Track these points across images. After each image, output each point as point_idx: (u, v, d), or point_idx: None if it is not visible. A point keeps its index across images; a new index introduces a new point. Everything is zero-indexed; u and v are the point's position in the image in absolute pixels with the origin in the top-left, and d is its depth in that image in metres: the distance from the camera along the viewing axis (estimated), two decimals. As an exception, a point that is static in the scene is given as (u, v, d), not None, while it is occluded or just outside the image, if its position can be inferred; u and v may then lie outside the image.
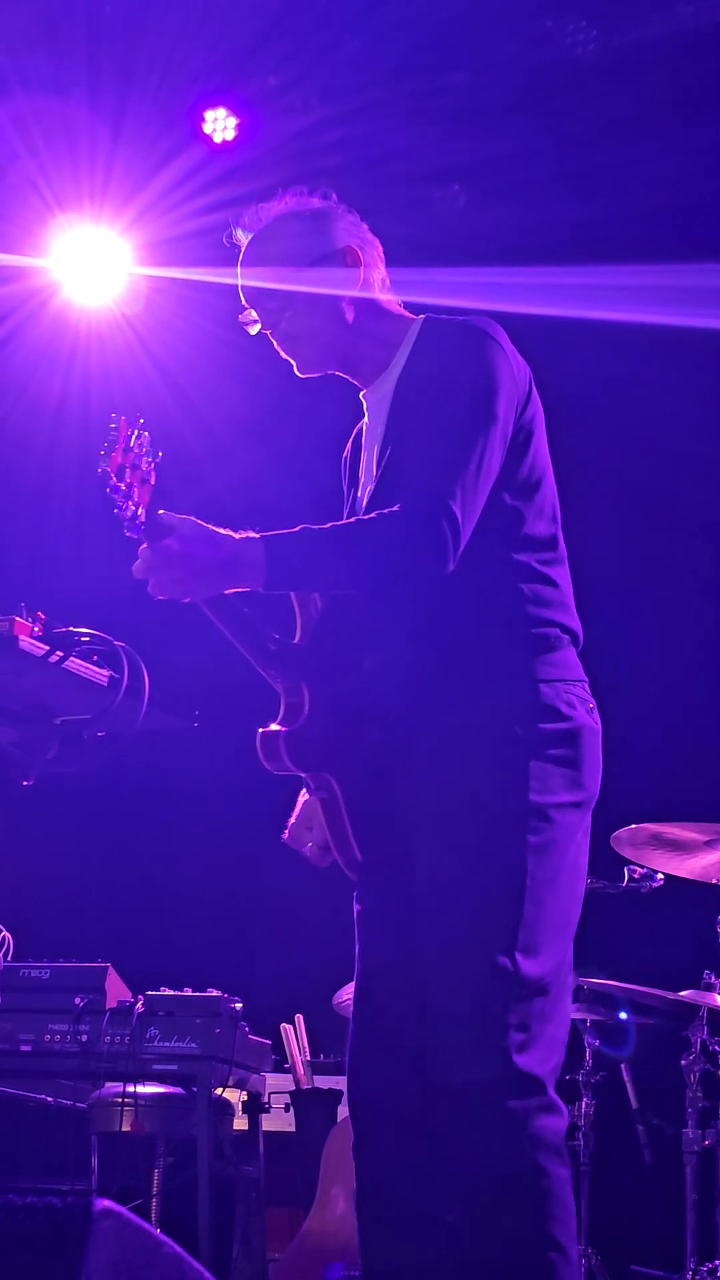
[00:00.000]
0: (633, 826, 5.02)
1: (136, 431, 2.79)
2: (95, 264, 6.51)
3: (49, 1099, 5.29)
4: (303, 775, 3.06)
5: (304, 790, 3.16)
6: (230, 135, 6.20)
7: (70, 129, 6.12)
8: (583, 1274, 2.83)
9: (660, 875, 5.02)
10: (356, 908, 3.14)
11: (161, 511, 2.83)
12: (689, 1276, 4.69)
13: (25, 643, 2.86)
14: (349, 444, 3.33)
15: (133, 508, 2.75)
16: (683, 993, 5.03)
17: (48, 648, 2.87)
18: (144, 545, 2.82)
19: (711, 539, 6.39)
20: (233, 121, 6.19)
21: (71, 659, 3.04)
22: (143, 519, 2.76)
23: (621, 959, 5.51)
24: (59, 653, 2.86)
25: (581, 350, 6.00)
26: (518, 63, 5.82)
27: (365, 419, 3.23)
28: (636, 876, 4.97)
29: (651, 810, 5.11)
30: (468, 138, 5.97)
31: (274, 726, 3.00)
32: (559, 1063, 2.88)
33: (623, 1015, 5.23)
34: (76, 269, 6.52)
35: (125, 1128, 4.84)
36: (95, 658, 3.07)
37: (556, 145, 5.96)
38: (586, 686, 3.07)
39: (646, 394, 6.29)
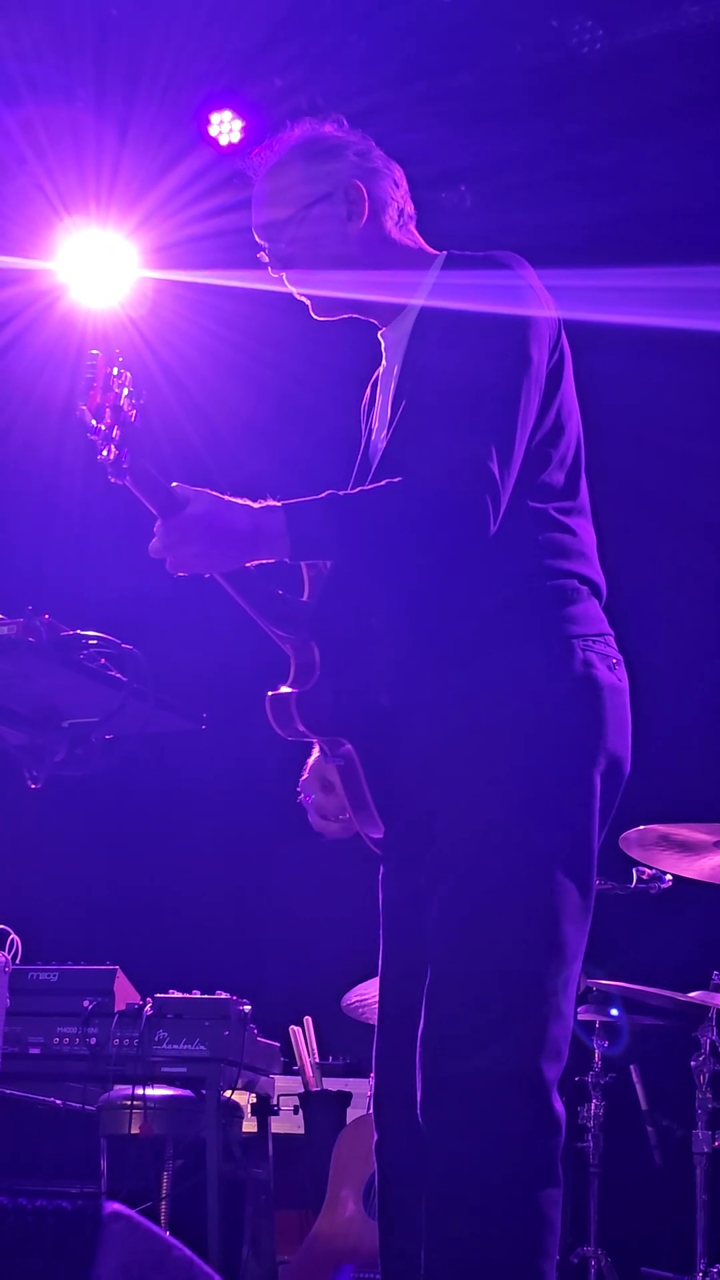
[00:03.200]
0: (641, 827, 5.01)
1: (116, 368, 2.67)
2: (101, 267, 6.52)
3: (58, 1102, 5.29)
4: (317, 741, 2.91)
5: (314, 751, 3.02)
6: (236, 138, 6.21)
7: (77, 132, 6.13)
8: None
9: (669, 876, 5.01)
10: (382, 894, 2.96)
11: (175, 484, 2.73)
12: (699, 1278, 4.68)
13: (33, 646, 2.86)
14: (367, 389, 3.16)
15: (114, 450, 2.63)
16: (692, 994, 5.03)
17: (55, 651, 2.87)
18: (158, 521, 2.72)
19: (717, 541, 6.39)
20: (238, 124, 6.19)
21: (79, 662, 3.03)
22: (126, 462, 2.64)
23: (630, 960, 5.50)
24: (67, 656, 2.86)
25: (589, 352, 5.99)
26: (524, 63, 5.82)
27: (383, 362, 3.06)
28: (645, 877, 4.97)
29: (660, 811, 5.10)
30: (474, 139, 5.97)
31: (284, 689, 2.85)
32: (562, 1069, 2.69)
33: (614, 1012, 5.22)
34: (83, 272, 6.53)
35: (134, 1130, 4.85)
36: (103, 660, 3.06)
37: (563, 146, 5.96)
38: (610, 640, 2.87)
39: (656, 396, 6.29)
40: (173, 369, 6.72)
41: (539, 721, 2.75)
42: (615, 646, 2.89)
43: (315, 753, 3.04)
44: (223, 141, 6.22)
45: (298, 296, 3.07)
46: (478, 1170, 2.60)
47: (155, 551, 2.75)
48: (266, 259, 3.04)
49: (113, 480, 2.69)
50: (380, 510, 2.75)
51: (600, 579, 2.92)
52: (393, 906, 2.94)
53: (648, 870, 4.99)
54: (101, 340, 6.69)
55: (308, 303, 3.07)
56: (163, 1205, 4.99)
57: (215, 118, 6.21)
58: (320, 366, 6.28)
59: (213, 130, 6.22)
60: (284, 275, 3.05)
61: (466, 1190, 2.60)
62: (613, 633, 2.90)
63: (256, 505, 2.74)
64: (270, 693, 2.86)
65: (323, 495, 2.77)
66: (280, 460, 6.64)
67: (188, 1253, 2.11)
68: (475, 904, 2.70)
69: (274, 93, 6.12)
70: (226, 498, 2.75)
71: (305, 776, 3.08)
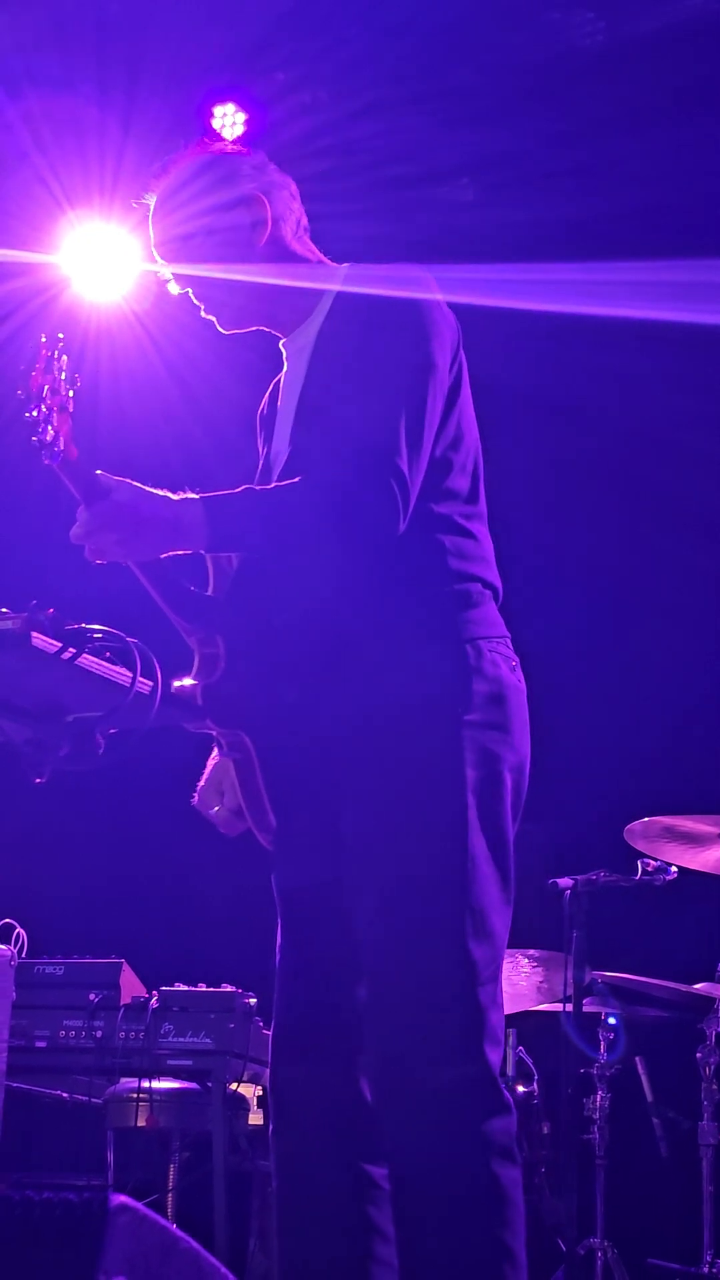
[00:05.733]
0: (646, 819, 5.02)
1: (58, 353, 2.70)
2: (105, 260, 6.51)
3: (64, 1095, 5.30)
4: (216, 733, 2.97)
5: (214, 752, 3.10)
6: (239, 131, 6.20)
7: (79, 125, 6.12)
8: (521, 1274, 2.75)
9: (674, 868, 5.01)
10: (277, 883, 3.03)
11: (99, 472, 2.77)
12: (705, 1269, 4.69)
13: (37, 640, 2.85)
14: (265, 397, 3.24)
15: (52, 433, 2.67)
16: (697, 985, 5.04)
17: (59, 645, 2.87)
18: (81, 507, 2.77)
19: (718, 533, 6.39)
20: (241, 117, 6.18)
21: (83, 656, 3.03)
22: (61, 446, 2.68)
23: (635, 952, 5.51)
24: (70, 650, 2.86)
25: (591, 346, 5.99)
26: (525, 56, 5.81)
27: (285, 369, 3.14)
28: (650, 869, 4.96)
29: (664, 803, 5.11)
30: (475, 132, 5.96)
31: (188, 681, 2.92)
32: (502, 1054, 2.80)
33: (611, 1020, 5.22)
34: (86, 265, 6.52)
35: (141, 1123, 4.86)
36: (107, 654, 3.06)
37: (565, 139, 5.95)
38: (509, 643, 2.95)
39: (653, 390, 6.28)
40: (175, 363, 6.72)
41: (450, 720, 2.82)
42: (512, 649, 2.96)
43: (214, 758, 3.12)
44: (226, 135, 6.21)
45: (203, 315, 3.13)
46: (444, 1163, 2.68)
47: (76, 537, 2.80)
48: (169, 277, 3.10)
49: (45, 462, 2.73)
50: (294, 505, 2.82)
51: (499, 583, 2.99)
52: (294, 895, 3.00)
53: (652, 862, 4.99)
54: (105, 336, 6.69)
55: (214, 319, 3.13)
56: (169, 1198, 5.00)
57: (218, 111, 6.20)
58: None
59: (215, 123, 6.21)
60: (190, 291, 3.11)
61: (433, 1182, 2.68)
62: (509, 635, 2.97)
63: (175, 496, 2.80)
64: (175, 684, 2.92)
65: (239, 489, 2.85)
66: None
67: (194, 1245, 2.12)
68: (407, 910, 2.77)
69: (276, 87, 6.11)
70: (147, 488, 2.80)
71: (203, 784, 3.16)
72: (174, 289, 3.11)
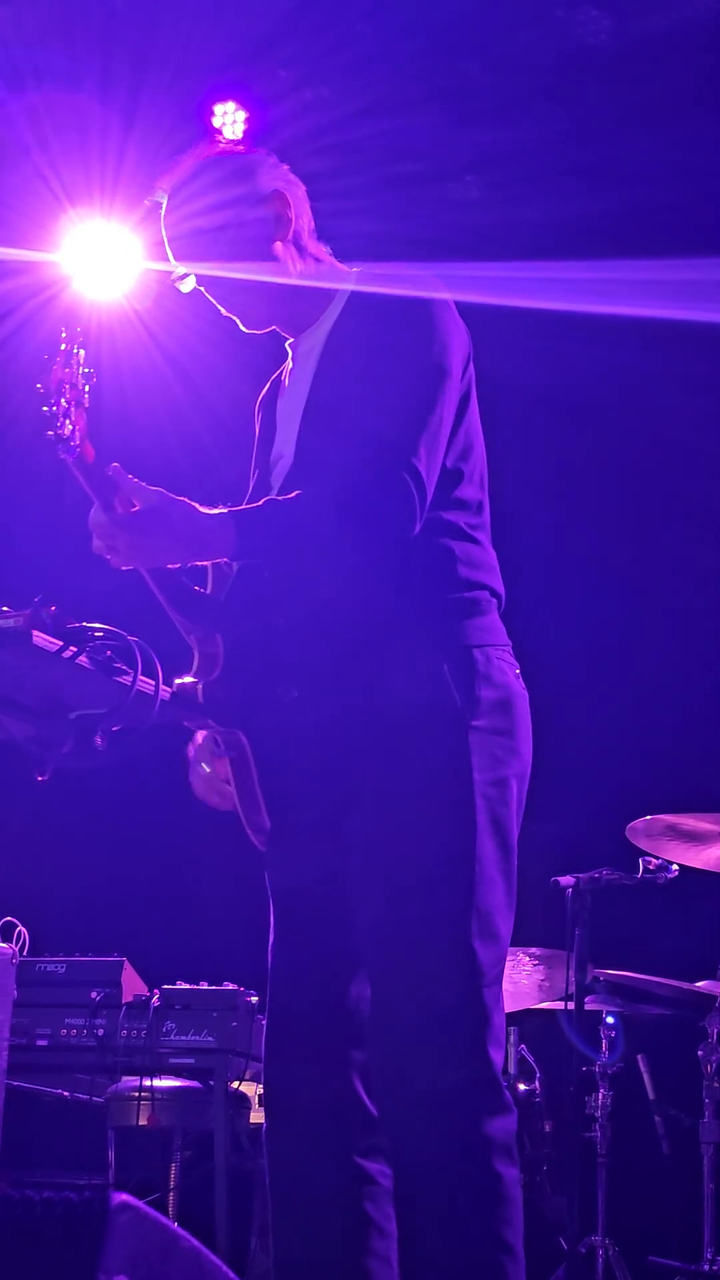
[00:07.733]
0: (648, 817, 5.02)
1: (76, 347, 2.72)
2: (106, 259, 6.50)
3: (66, 1093, 5.30)
4: (214, 732, 3.00)
5: (191, 745, 3.11)
6: (240, 130, 6.18)
7: (82, 123, 6.11)
8: (520, 1270, 2.79)
9: (676, 866, 5.01)
10: (271, 881, 3.07)
11: (132, 477, 2.79)
12: (706, 1267, 4.69)
13: (39, 638, 2.85)
14: (265, 389, 3.25)
15: (70, 427, 2.68)
16: (699, 983, 5.04)
17: (61, 643, 2.87)
18: (95, 508, 2.78)
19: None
20: (241, 115, 6.17)
21: (85, 654, 3.03)
22: (77, 441, 2.69)
23: (637, 950, 5.50)
24: (73, 648, 2.86)
25: (596, 344, 5.99)
26: (531, 54, 5.80)
27: (289, 365, 3.15)
28: (652, 867, 4.96)
29: (667, 801, 5.10)
30: (481, 130, 5.95)
31: (188, 679, 2.94)
32: (504, 1054, 2.83)
33: (609, 1019, 5.22)
34: (87, 263, 6.52)
35: (142, 1122, 4.86)
36: (109, 652, 3.06)
37: (570, 137, 5.95)
38: (511, 651, 2.98)
39: (662, 389, 6.28)
40: (178, 360, 6.71)
41: (464, 729, 2.83)
42: (515, 656, 2.99)
43: (192, 748, 3.14)
44: (226, 133, 6.20)
45: (225, 313, 3.12)
46: (447, 1162, 2.71)
47: (104, 538, 2.80)
48: (184, 274, 3.09)
49: (61, 456, 2.73)
50: (317, 513, 2.82)
51: (503, 590, 3.01)
52: (290, 894, 3.02)
53: (654, 860, 4.99)
54: (107, 334, 6.68)
55: (237, 319, 3.13)
56: (170, 1197, 5.00)
57: (219, 109, 6.19)
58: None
59: (216, 121, 6.20)
60: (204, 290, 3.10)
61: (435, 1180, 2.71)
62: (511, 644, 3.00)
63: (208, 510, 2.82)
64: (176, 680, 2.94)
65: (262, 502, 2.87)
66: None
67: (195, 1243, 2.12)
68: (414, 911, 2.79)
69: (281, 84, 6.10)
70: (179, 498, 2.81)
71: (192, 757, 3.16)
72: (185, 287, 3.09)
